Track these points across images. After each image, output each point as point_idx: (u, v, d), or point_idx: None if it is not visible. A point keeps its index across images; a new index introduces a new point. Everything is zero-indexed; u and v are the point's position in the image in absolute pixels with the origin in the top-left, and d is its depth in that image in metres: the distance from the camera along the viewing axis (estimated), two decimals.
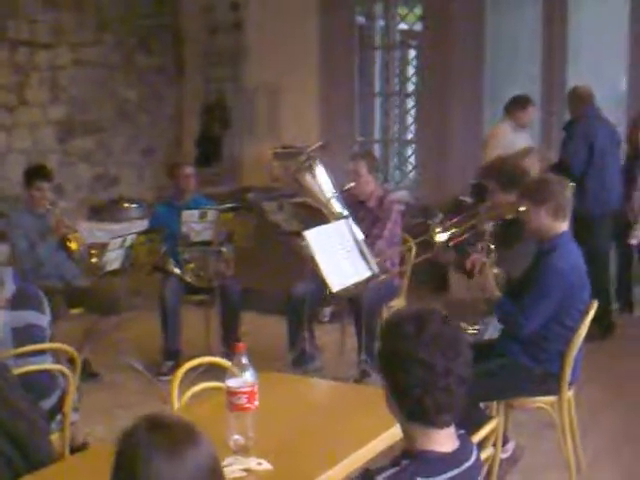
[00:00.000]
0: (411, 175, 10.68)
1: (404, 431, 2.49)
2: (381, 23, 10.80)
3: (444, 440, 2.42)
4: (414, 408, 2.37)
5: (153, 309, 7.03)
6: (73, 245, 6.51)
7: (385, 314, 6.50)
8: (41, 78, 9.28)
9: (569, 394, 4.68)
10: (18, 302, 4.37)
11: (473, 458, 2.50)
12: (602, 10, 9.55)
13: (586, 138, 7.53)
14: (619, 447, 5.37)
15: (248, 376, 3.26)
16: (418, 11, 10.42)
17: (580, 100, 7.74)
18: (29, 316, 4.47)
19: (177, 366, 6.52)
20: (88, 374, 6.11)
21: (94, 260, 6.31)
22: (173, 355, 6.80)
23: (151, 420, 2.09)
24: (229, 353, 6.36)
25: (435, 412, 2.35)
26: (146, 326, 7.34)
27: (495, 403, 4.74)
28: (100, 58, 9.83)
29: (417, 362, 2.32)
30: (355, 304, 6.15)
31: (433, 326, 2.36)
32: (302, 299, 6.34)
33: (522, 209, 5.31)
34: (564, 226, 4.61)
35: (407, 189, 9.88)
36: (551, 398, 4.64)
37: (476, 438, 2.93)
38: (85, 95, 9.68)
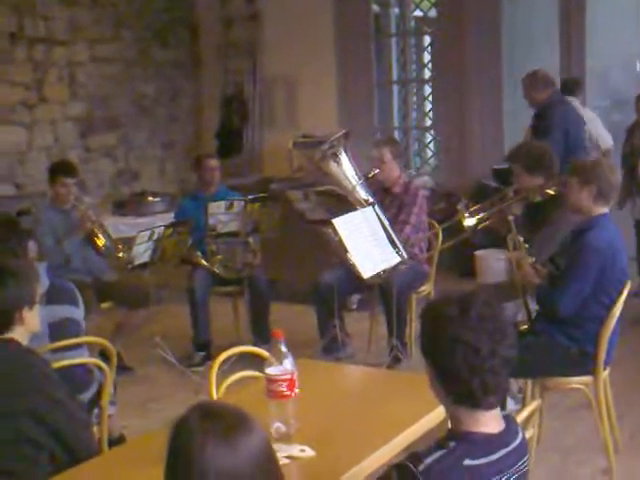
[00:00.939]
0: (431, 161, 10.68)
1: (450, 414, 2.49)
2: (396, 10, 10.80)
3: (490, 422, 2.43)
4: (461, 390, 2.38)
5: (182, 301, 7.06)
6: (100, 240, 6.53)
7: (414, 300, 6.54)
8: (59, 75, 9.31)
9: (605, 374, 4.67)
10: (52, 297, 4.39)
11: (519, 438, 2.50)
12: None
13: (564, 124, 7.34)
14: None
15: (287, 364, 3.27)
16: None
17: (548, 84, 7.48)
18: (64, 310, 4.50)
19: (208, 357, 6.61)
20: (121, 368, 6.12)
21: (122, 254, 6.33)
22: (204, 346, 6.84)
23: (204, 408, 2.10)
24: (259, 342, 6.41)
25: (482, 394, 2.36)
26: (176, 318, 7.38)
27: (530, 385, 4.74)
28: (117, 54, 9.85)
29: (463, 344, 2.33)
30: (384, 290, 6.15)
31: (477, 308, 2.36)
32: (330, 287, 6.35)
33: (550, 192, 5.34)
34: (604, 210, 4.61)
35: (428, 175, 9.85)
36: (587, 378, 4.63)
37: (519, 419, 2.92)
38: (104, 91, 9.71)
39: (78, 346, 4.47)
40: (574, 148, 7.18)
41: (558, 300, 4.54)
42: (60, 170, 6.68)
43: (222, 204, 6.56)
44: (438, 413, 3.40)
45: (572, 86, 8.47)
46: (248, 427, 2.06)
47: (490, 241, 7.54)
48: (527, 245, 5.03)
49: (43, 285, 4.25)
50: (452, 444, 2.39)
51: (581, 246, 4.53)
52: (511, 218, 5.13)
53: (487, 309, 2.38)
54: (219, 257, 6.79)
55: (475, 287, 6.07)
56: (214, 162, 7.22)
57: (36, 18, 9.03)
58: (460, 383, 2.36)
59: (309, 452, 3.15)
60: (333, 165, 6.26)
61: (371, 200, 6.16)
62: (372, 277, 5.55)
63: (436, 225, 6.64)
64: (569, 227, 4.82)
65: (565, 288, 4.52)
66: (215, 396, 3.75)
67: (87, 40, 9.52)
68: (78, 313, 4.58)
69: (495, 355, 2.33)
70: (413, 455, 2.39)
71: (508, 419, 2.51)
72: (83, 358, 4.48)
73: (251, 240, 6.71)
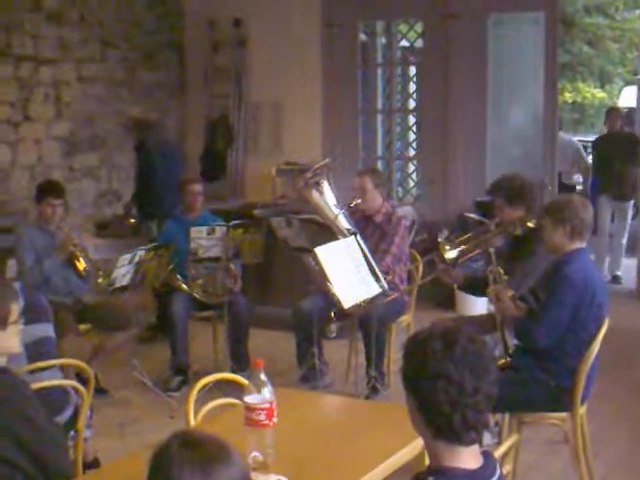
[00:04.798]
0: (413, 191, 10.70)
1: (429, 448, 2.47)
2: (383, 40, 10.87)
3: (470, 457, 2.41)
4: (442, 425, 2.36)
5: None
6: (81, 263, 6.49)
7: (394, 330, 6.54)
8: (45, 94, 9.29)
9: (582, 410, 4.68)
10: (28, 317, 4.35)
11: (497, 474, 2.50)
12: None
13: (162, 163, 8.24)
14: (632, 461, 5.36)
15: (266, 392, 3.27)
16: (419, 28, 10.48)
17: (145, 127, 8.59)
18: (41, 329, 4.49)
19: (186, 381, 6.58)
20: (97, 390, 6.09)
21: (102, 277, 6.29)
22: (182, 371, 6.80)
23: (184, 437, 2.10)
24: (237, 368, 6.39)
25: (464, 430, 2.35)
26: (154, 342, 7.33)
27: (507, 419, 4.74)
28: (104, 74, 9.84)
29: (446, 379, 2.32)
30: (364, 320, 6.15)
31: (462, 344, 2.35)
32: (309, 315, 6.35)
33: (531, 224, 5.37)
34: (580, 245, 4.66)
35: (410, 205, 9.87)
36: (564, 414, 4.64)
37: (497, 453, 2.92)
38: (89, 111, 9.69)
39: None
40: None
41: (535, 330, 4.58)
42: (48, 190, 6.66)
43: (204, 229, 6.53)
44: (415, 446, 3.40)
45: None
46: (227, 458, 2.06)
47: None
48: (507, 278, 5.05)
49: (19, 305, 4.22)
50: (430, 478, 2.38)
51: (558, 279, 4.59)
52: (492, 250, 5.15)
53: (471, 345, 2.37)
54: (199, 282, 6.77)
55: (453, 319, 6.07)
56: (198, 187, 7.23)
57: (24, 36, 9.01)
58: (441, 418, 2.35)
59: None
60: (315, 194, 6.27)
61: (353, 230, 6.17)
62: (352, 307, 5.55)
63: (418, 257, 6.65)
64: (549, 259, 4.85)
65: (542, 319, 4.56)
66: (192, 422, 3.73)
67: (74, 60, 9.51)
68: (51, 328, 4.58)
69: (478, 391, 2.33)
70: None
71: (486, 455, 2.50)
72: (58, 379, 4.45)
73: (232, 265, 6.69)
